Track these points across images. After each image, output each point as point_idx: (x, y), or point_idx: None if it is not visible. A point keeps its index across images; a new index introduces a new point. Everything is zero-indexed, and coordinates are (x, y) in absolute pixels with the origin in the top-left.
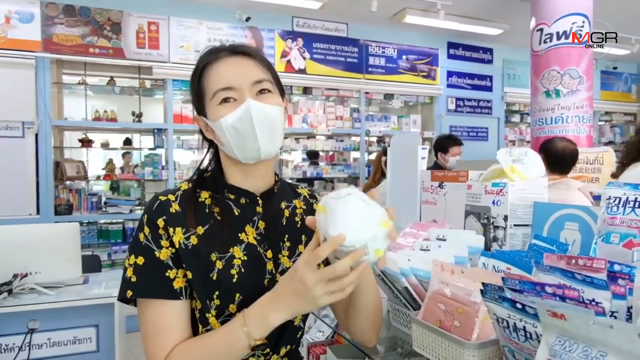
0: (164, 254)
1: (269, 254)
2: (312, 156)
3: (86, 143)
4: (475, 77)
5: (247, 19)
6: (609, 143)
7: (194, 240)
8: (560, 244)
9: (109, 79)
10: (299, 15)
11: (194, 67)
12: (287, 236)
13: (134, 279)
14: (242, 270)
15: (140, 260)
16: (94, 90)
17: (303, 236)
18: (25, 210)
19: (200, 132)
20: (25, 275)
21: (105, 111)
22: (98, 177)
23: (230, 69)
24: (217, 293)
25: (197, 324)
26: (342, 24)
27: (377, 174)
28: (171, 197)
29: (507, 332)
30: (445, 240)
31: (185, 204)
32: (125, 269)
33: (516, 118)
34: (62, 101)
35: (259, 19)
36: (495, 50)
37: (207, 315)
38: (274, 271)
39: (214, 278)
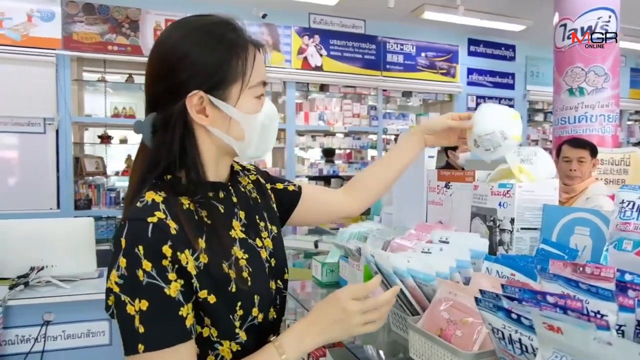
0: (173, 290)
1: (258, 242)
2: (328, 154)
3: (105, 139)
4: (496, 75)
5: (264, 16)
6: (639, 143)
7: (203, 259)
8: (570, 250)
9: (127, 75)
10: (315, 11)
11: (216, 32)
12: (257, 217)
13: (141, 329)
14: (250, 269)
15: (144, 305)
16: (113, 87)
17: (264, 212)
18: (46, 204)
19: (180, 112)
20: (42, 269)
21: (124, 108)
22: (117, 173)
23: (263, 61)
24: (239, 303)
25: (207, 353)
26: (359, 21)
27: None
28: (159, 214)
29: (502, 343)
30: (448, 242)
31: (177, 218)
32: (128, 318)
33: (539, 117)
34: (83, 98)
35: (276, 16)
36: (518, 46)
37: (236, 331)
38: (268, 257)
39: (233, 290)
